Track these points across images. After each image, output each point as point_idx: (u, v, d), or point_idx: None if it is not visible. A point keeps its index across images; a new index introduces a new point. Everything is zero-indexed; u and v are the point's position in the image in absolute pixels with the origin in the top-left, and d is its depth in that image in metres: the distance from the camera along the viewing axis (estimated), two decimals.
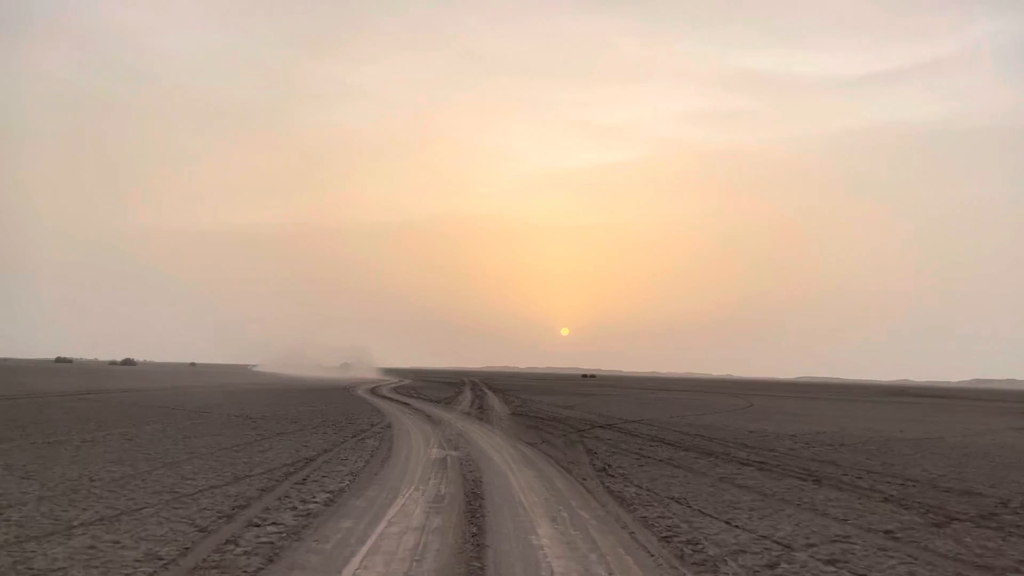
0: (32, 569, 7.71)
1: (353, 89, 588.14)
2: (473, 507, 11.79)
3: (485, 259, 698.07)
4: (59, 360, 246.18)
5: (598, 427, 28.01)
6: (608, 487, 14.01)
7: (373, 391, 55.14)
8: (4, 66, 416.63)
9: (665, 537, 10.02)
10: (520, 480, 14.75)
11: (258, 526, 9.94)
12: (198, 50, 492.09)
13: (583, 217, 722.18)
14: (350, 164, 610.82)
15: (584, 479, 15.01)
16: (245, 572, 7.89)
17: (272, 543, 9.06)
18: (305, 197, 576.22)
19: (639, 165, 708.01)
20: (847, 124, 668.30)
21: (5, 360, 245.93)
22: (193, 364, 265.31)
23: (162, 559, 8.24)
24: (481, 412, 35.53)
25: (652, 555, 9.10)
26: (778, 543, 9.80)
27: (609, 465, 17.08)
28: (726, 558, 8.98)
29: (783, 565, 8.75)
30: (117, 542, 8.86)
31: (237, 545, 8.92)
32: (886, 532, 10.72)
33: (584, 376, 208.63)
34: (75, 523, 9.74)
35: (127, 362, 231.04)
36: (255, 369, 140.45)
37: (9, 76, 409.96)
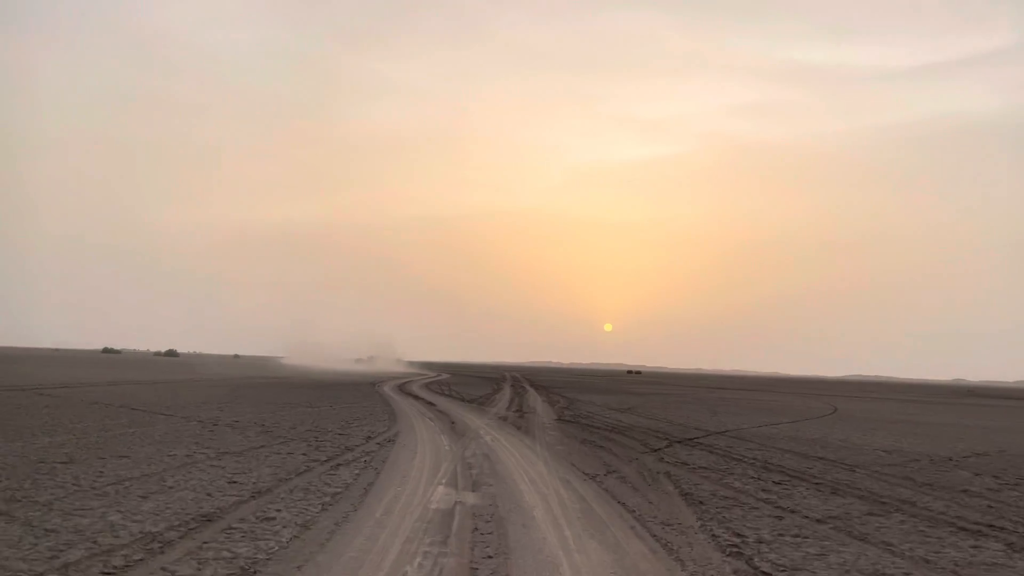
0: None
1: (394, 84, 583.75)
2: None
3: (529, 255, 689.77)
4: (106, 351, 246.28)
5: (676, 443, 20.42)
6: None
7: (400, 388, 48.25)
8: (50, 65, 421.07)
9: None
10: None
11: None
12: (240, 46, 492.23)
13: (628, 212, 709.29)
14: (391, 159, 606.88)
15: None
16: None
17: None
18: (345, 192, 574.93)
19: (685, 159, 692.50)
20: (900, 117, 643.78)
21: (56, 351, 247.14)
22: (237, 356, 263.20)
23: None
24: (520, 417, 28.14)
25: None
26: None
27: (741, 537, 9.52)
28: None
29: None
30: None
31: None
32: None
33: (629, 372, 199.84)
34: None
35: (170, 353, 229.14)
36: (283, 361, 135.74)
37: (54, 75, 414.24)
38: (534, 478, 13.60)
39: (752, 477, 14.52)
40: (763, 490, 13.10)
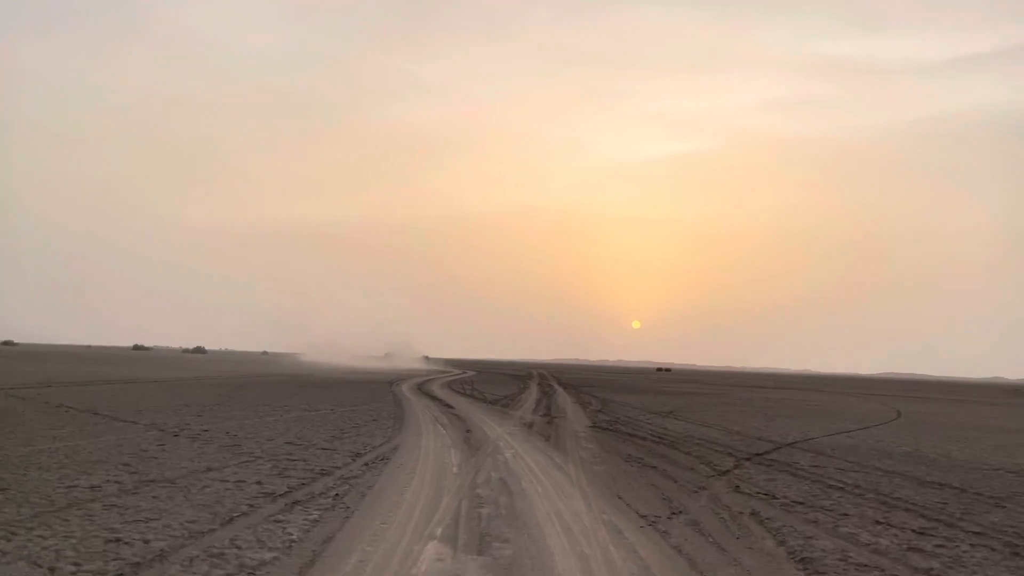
0: None
1: (421, 82, 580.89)
2: None
3: (555, 252, 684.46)
4: (136, 348, 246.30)
5: (745, 460, 16.15)
6: None
7: (419, 387, 44.32)
8: (88, 67, 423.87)
9: None
10: None
11: None
12: (270, 46, 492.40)
13: (655, 209, 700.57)
14: (419, 158, 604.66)
15: None
16: None
17: None
18: (373, 191, 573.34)
19: (713, 155, 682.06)
20: (933, 111, 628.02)
21: (88, 348, 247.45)
22: (265, 352, 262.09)
23: None
24: (548, 423, 24.00)
25: None
26: None
27: None
28: None
29: None
30: None
31: None
32: None
33: (659, 370, 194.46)
34: None
35: (198, 350, 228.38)
36: (301, 358, 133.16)
37: (93, 77, 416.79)
38: (569, 523, 9.45)
39: (879, 522, 10.22)
40: (909, 546, 8.82)
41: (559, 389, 48.83)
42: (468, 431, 20.36)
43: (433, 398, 35.12)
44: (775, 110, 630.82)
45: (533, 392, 43.37)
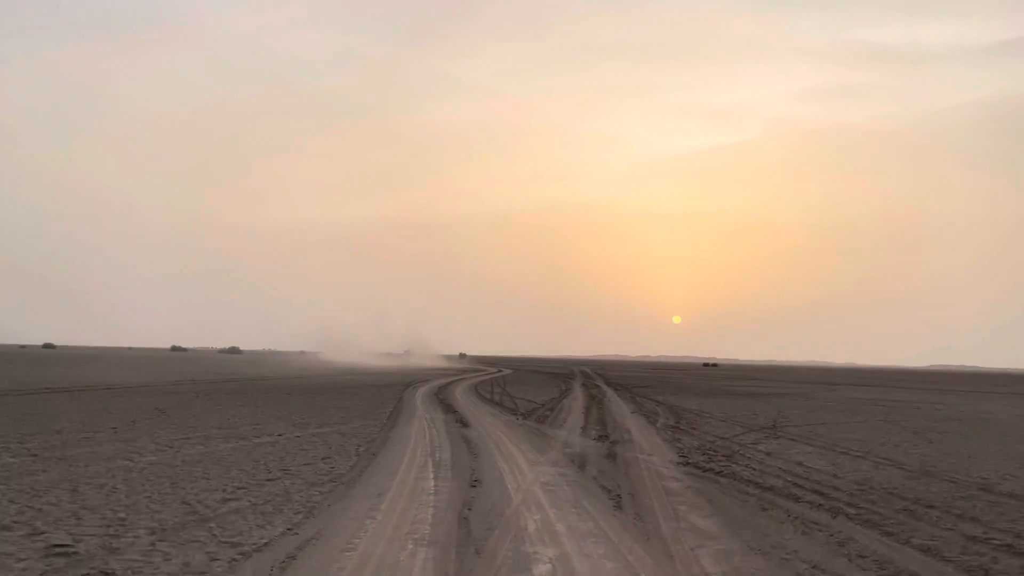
0: None
1: (455, 81, 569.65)
2: None
3: (593, 248, 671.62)
4: (174, 348, 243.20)
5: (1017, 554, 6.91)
6: None
7: (439, 392, 35.63)
8: (135, 71, 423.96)
9: None
10: None
11: None
12: (304, 49, 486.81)
13: (693, 203, 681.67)
14: (453, 156, 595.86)
15: None
16: None
17: None
18: (408, 191, 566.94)
19: (751, 147, 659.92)
20: (978, 96, 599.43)
21: (130, 349, 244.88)
22: (303, 352, 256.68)
23: None
24: (608, 453, 15.06)
25: None
26: None
27: None
28: None
29: None
30: None
31: None
32: None
33: (705, 365, 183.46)
34: None
35: (232, 350, 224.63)
36: (319, 357, 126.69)
37: (140, 81, 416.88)
38: None
39: None
40: None
41: (609, 392, 39.77)
42: (475, 481, 11.47)
43: (448, 408, 26.36)
44: (814, 100, 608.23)
45: (578, 397, 34.36)
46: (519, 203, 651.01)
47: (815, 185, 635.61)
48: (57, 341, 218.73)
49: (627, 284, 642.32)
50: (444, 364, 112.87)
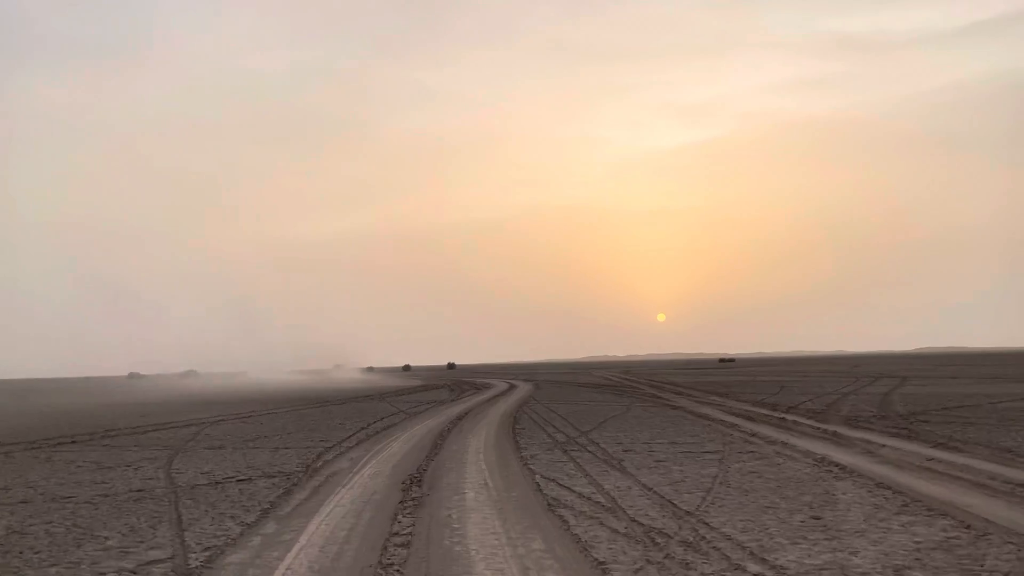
0: None
1: (430, 90, 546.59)
2: None
3: (576, 250, 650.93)
4: (131, 375, 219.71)
5: None
6: None
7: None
8: (101, 94, 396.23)
9: None
10: None
11: None
12: (277, 66, 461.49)
13: (672, 200, 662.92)
14: (433, 166, 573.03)
15: None
16: None
17: None
18: (390, 203, 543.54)
19: (727, 142, 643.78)
20: (946, 80, 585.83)
21: (144, 376, 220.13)
22: (408, 367, 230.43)
23: None
24: None
25: None
26: None
27: None
28: None
29: None
30: None
31: None
32: None
33: (721, 361, 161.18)
34: None
35: (190, 373, 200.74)
36: (244, 377, 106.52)
37: (105, 103, 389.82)
38: None
39: None
40: None
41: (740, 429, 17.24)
42: None
43: None
44: (786, 92, 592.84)
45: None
46: (500, 210, 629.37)
47: (792, 176, 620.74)
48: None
49: (612, 284, 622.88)
50: (374, 380, 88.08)
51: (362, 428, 22.08)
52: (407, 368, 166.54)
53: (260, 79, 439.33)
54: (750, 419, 21.89)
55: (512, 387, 50.65)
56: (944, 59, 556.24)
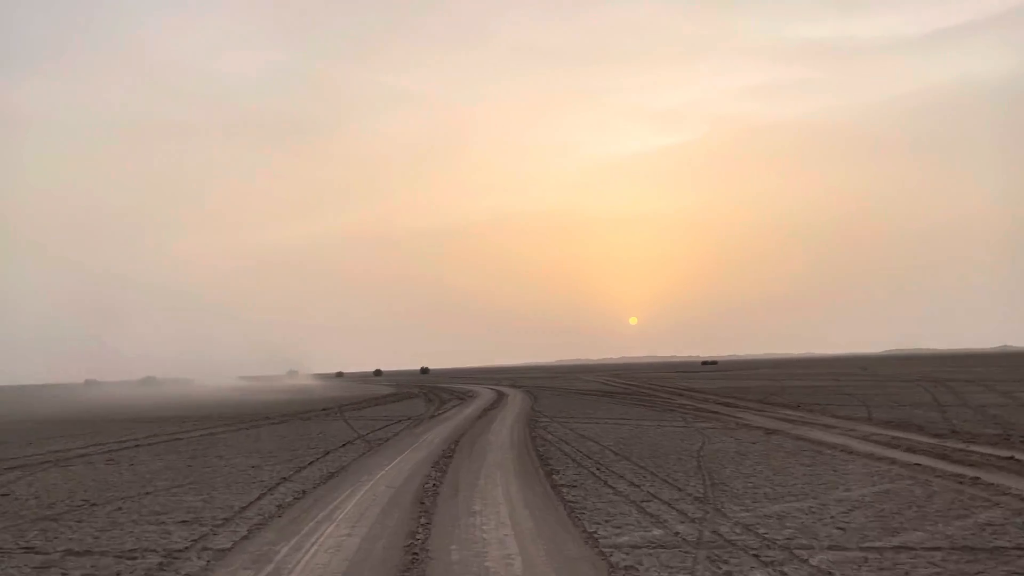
0: None
1: (399, 94, 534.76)
2: None
3: (547, 255, 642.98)
4: (88, 383, 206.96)
5: None
6: None
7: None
8: (72, 97, 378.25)
9: None
10: None
11: None
12: (245, 69, 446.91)
13: (643, 204, 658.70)
14: (404, 170, 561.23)
15: None
16: None
17: None
18: (360, 207, 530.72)
19: (697, 146, 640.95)
20: (914, 86, 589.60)
21: (100, 384, 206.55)
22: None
23: None
24: None
25: None
26: None
27: None
28: None
29: None
30: None
31: None
32: None
33: (704, 363, 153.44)
34: None
35: (148, 380, 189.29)
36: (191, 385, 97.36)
37: (67, 108, 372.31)
38: None
39: None
40: None
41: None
42: None
43: None
44: (756, 97, 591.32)
45: None
46: (471, 214, 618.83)
47: (762, 180, 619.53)
48: None
49: (584, 288, 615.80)
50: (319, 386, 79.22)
51: (283, 479, 12.69)
52: (378, 373, 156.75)
53: (230, 81, 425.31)
54: (939, 455, 12.89)
55: (501, 396, 41.08)
56: (911, 65, 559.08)
